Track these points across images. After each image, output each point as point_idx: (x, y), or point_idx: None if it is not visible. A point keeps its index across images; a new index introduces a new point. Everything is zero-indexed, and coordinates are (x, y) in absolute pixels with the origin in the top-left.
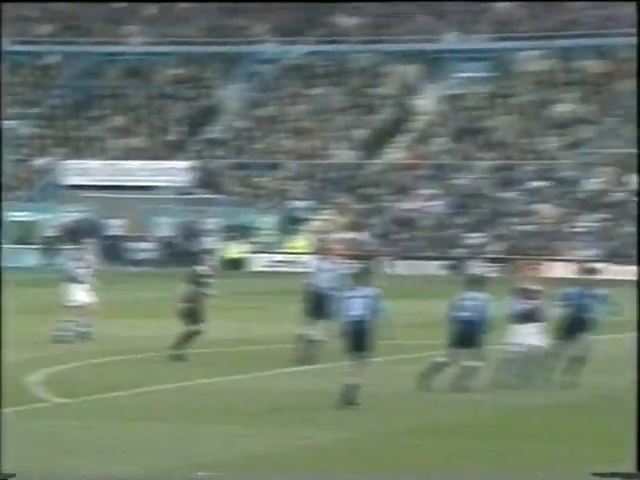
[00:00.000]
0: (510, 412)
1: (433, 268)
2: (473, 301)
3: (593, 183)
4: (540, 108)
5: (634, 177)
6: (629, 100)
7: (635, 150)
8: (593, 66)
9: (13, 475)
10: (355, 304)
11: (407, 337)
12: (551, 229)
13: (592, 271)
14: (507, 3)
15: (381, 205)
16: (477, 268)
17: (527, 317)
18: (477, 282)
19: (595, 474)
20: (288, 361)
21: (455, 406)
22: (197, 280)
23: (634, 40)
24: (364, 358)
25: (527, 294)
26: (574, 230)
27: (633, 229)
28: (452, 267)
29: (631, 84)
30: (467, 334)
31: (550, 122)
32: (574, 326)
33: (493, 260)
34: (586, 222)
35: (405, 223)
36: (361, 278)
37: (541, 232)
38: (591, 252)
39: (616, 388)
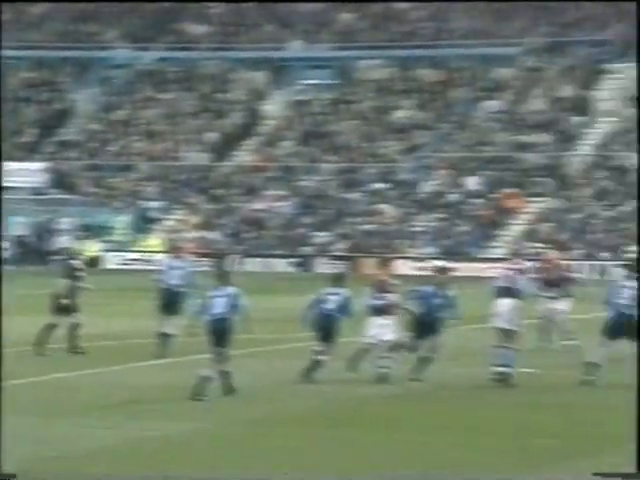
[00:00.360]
0: (357, 401)
1: (282, 265)
2: (335, 296)
3: (430, 185)
4: (381, 114)
5: (468, 179)
6: (462, 107)
7: (469, 154)
8: (429, 75)
9: (14, 476)
10: (218, 303)
11: (263, 331)
12: (392, 228)
13: (443, 270)
14: (349, 14)
15: (231, 205)
16: (323, 265)
17: (381, 310)
18: (338, 278)
19: (596, 474)
20: (142, 355)
21: (304, 396)
22: (72, 274)
23: (466, 51)
24: (225, 353)
25: (382, 288)
26: (413, 229)
27: (467, 228)
28: (299, 264)
29: (464, 92)
30: (329, 327)
31: (390, 127)
32: (424, 325)
33: (338, 258)
34: (424, 222)
35: (254, 223)
36: (223, 278)
37: (382, 231)
38: (429, 250)
39: (457, 379)
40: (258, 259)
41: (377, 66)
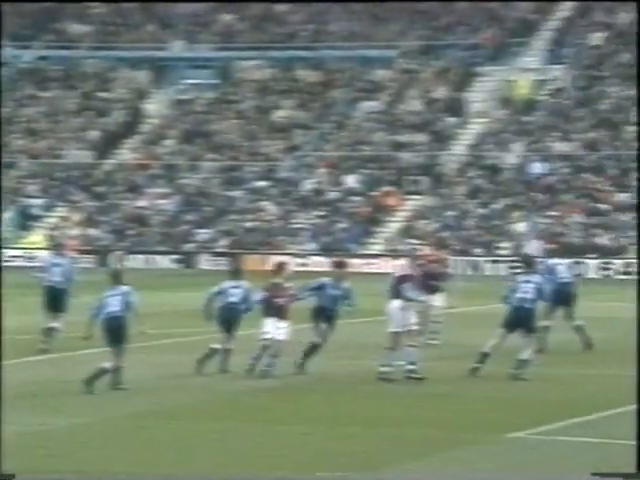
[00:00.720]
0: (241, 394)
1: (165, 262)
2: (237, 289)
3: (310, 183)
4: (262, 113)
5: (348, 178)
6: (341, 107)
7: (348, 153)
8: (308, 76)
9: (13, 476)
10: (111, 301)
11: (151, 326)
12: (273, 225)
13: (342, 264)
14: (229, 15)
15: (114, 203)
16: (206, 262)
17: (276, 313)
18: (236, 272)
19: (595, 474)
20: (27, 351)
21: (189, 390)
22: None
23: (344, 52)
24: (120, 349)
25: (277, 291)
26: (294, 226)
27: (346, 225)
28: (182, 261)
29: (343, 92)
30: (231, 319)
31: (271, 126)
32: (323, 316)
33: (220, 254)
34: (304, 219)
35: (137, 220)
36: (116, 277)
37: (264, 228)
38: (309, 246)
39: (342, 371)
40: (141, 256)
41: (258, 66)
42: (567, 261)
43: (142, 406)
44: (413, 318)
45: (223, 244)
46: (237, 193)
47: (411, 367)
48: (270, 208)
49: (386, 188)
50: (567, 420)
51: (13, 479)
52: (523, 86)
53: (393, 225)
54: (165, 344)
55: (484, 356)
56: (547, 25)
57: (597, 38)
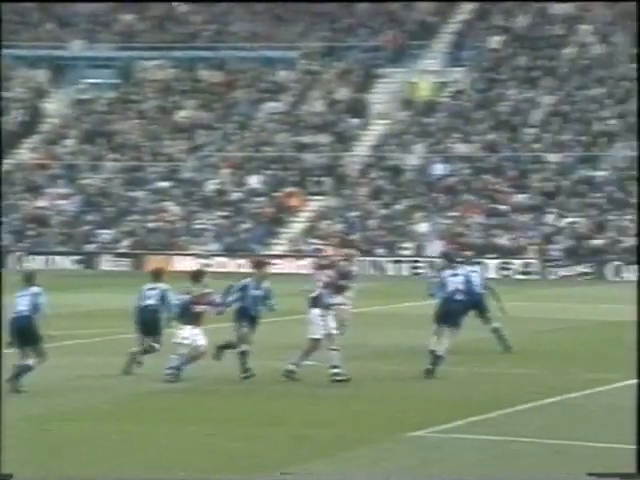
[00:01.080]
0: (147, 396)
1: (66, 263)
2: (154, 290)
3: (213, 184)
4: (164, 113)
5: (251, 178)
6: (244, 108)
7: (251, 153)
8: (211, 76)
9: (10, 476)
10: (20, 302)
11: (50, 328)
12: (176, 226)
13: (262, 264)
14: (129, 15)
15: (13, 203)
16: (107, 263)
17: (193, 319)
18: (156, 274)
19: (591, 474)
20: None
21: (92, 391)
22: None
23: (247, 53)
24: (32, 350)
25: (197, 297)
26: (197, 227)
27: (250, 225)
28: (84, 262)
29: (245, 93)
30: (150, 321)
31: (173, 127)
32: (242, 317)
33: (122, 255)
34: (207, 219)
35: (37, 220)
36: (28, 278)
37: (167, 229)
38: (213, 247)
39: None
40: (41, 257)
41: (159, 66)
42: (478, 267)
43: (43, 408)
44: (333, 323)
45: (125, 245)
46: (139, 193)
47: (335, 370)
48: (173, 209)
49: (289, 189)
50: (467, 418)
51: (10, 479)
52: (424, 88)
53: (296, 226)
54: (66, 345)
55: (435, 356)
56: (447, 28)
57: (495, 41)
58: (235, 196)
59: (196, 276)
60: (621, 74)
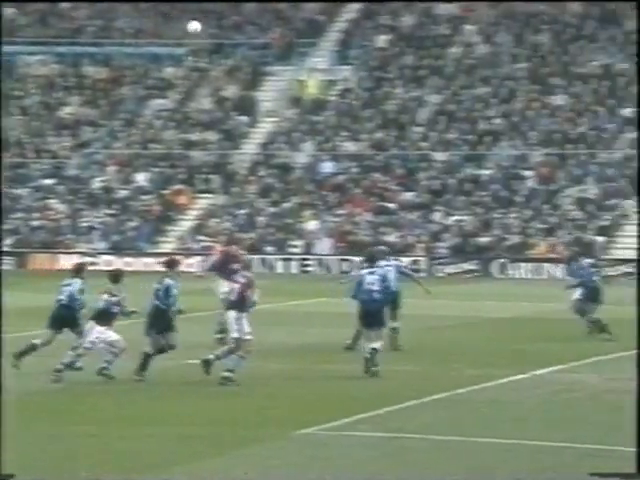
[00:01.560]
0: (31, 395)
1: None
2: (67, 287)
3: (100, 181)
4: (48, 110)
5: (138, 176)
6: (131, 105)
7: (138, 151)
8: (96, 72)
9: (12, 476)
10: None
11: None
12: (61, 224)
13: (174, 263)
14: (10, 10)
15: None
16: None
17: (108, 320)
18: (76, 270)
19: (593, 474)
20: None
21: None
22: None
23: (134, 49)
24: None
25: (111, 294)
26: (83, 225)
27: (137, 223)
28: None
29: (132, 90)
30: (66, 316)
31: (58, 123)
32: (161, 318)
33: (6, 253)
34: (94, 217)
35: None
36: None
37: (52, 227)
38: (99, 245)
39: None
40: None
41: (42, 62)
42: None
43: None
44: (247, 327)
45: (8, 243)
46: (23, 191)
47: (227, 374)
48: (58, 206)
49: (177, 186)
50: (355, 415)
51: (11, 479)
52: (312, 86)
53: (185, 224)
54: None
55: (370, 352)
56: (334, 26)
57: (382, 40)
58: (122, 194)
59: (115, 276)
60: (505, 74)
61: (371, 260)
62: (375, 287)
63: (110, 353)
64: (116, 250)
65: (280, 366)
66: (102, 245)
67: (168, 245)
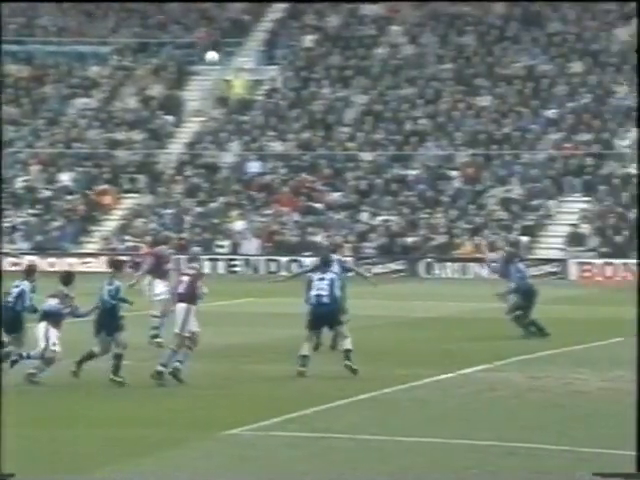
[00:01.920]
0: None
1: None
2: (16, 288)
3: (22, 181)
4: None
5: (62, 175)
6: (54, 103)
7: (62, 150)
8: (17, 70)
9: (12, 475)
10: None
11: None
12: None
13: (119, 264)
14: None
15: None
16: None
17: (57, 322)
18: (27, 272)
19: (596, 474)
20: None
21: None
22: None
23: (57, 48)
24: None
25: (65, 300)
26: (6, 225)
27: (61, 224)
28: None
29: (55, 88)
30: (10, 319)
31: None
32: (105, 320)
33: None
34: (17, 217)
35: None
36: None
37: None
38: (22, 245)
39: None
40: None
41: None
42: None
43: None
44: (195, 322)
45: None
46: None
47: (160, 369)
48: None
49: (102, 186)
50: (283, 415)
51: (12, 478)
52: (238, 86)
53: (109, 224)
54: None
55: (304, 358)
56: (260, 26)
57: (309, 40)
58: (45, 194)
59: (67, 278)
60: (431, 74)
61: (325, 264)
62: (324, 292)
63: (42, 357)
64: (39, 250)
65: (207, 367)
66: (25, 245)
67: (93, 245)
